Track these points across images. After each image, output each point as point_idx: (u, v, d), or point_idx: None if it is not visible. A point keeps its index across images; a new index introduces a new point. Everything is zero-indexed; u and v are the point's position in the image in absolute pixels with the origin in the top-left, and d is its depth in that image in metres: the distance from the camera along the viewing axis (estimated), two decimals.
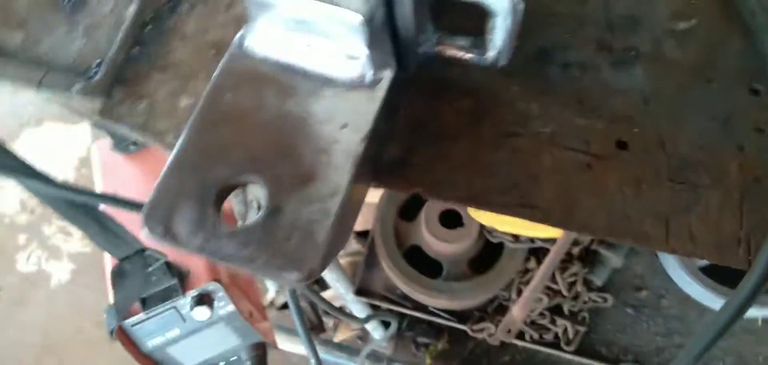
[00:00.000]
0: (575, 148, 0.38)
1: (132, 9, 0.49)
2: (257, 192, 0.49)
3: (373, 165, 0.38)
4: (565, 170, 0.37)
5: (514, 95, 0.40)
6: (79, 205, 0.61)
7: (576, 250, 1.14)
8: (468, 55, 0.38)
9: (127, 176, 1.16)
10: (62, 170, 1.98)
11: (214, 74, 0.38)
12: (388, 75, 0.36)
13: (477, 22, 0.36)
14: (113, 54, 0.47)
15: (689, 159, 0.36)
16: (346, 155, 0.33)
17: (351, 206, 0.35)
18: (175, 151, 0.35)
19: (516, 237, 1.05)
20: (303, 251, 0.31)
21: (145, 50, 0.48)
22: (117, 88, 0.46)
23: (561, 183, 0.37)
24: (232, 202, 0.69)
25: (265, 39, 0.37)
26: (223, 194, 0.34)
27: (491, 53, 0.37)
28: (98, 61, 0.47)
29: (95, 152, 1.34)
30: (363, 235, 1.22)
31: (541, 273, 1.04)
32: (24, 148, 2.03)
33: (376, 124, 0.35)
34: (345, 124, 0.35)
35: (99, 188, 1.33)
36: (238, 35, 0.38)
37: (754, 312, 1.03)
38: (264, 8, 0.36)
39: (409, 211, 1.11)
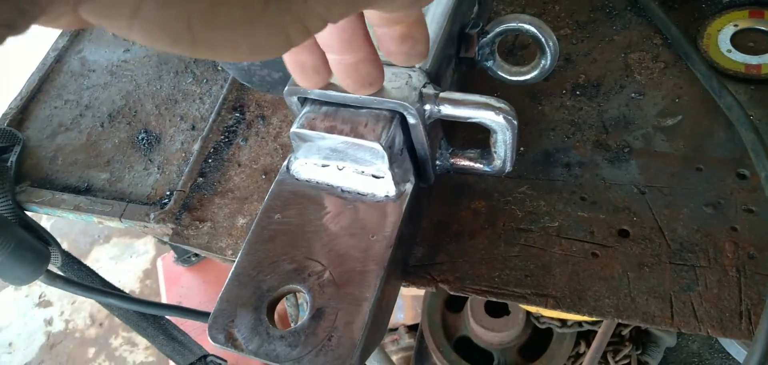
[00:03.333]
0: (581, 239, 0.41)
1: (196, 146, 0.57)
2: (307, 296, 0.55)
3: (403, 266, 0.43)
4: (573, 259, 0.41)
5: (523, 195, 0.44)
6: (148, 316, 0.68)
7: (627, 331, 1.12)
8: (478, 165, 0.43)
9: (188, 286, 1.23)
10: (128, 282, 2.09)
11: (266, 198, 0.44)
12: (409, 188, 0.42)
13: (485, 136, 0.41)
14: (182, 185, 0.54)
15: (687, 242, 0.40)
16: (375, 261, 0.38)
17: (383, 304, 0.39)
18: (234, 266, 0.40)
19: (563, 322, 1.05)
20: (342, 348, 0.36)
21: (208, 179, 0.55)
22: (185, 214, 0.53)
23: (571, 272, 0.40)
24: (285, 305, 0.74)
25: (307, 165, 0.44)
26: (274, 302, 0.39)
27: (497, 163, 0.42)
28: (169, 192, 0.55)
29: (160, 266, 1.43)
30: (413, 329, 1.24)
31: (589, 357, 1.03)
32: (95, 263, 2.16)
33: (401, 231, 0.40)
34: (374, 234, 0.40)
35: (164, 299, 1.41)
36: (284, 163, 0.45)
37: None
38: (305, 140, 0.42)
39: (455, 302, 1.13)
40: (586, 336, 1.11)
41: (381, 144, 0.39)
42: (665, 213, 0.41)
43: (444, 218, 0.45)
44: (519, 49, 0.52)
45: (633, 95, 0.47)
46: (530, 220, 0.43)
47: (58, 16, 0.18)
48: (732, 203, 0.40)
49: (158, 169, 0.57)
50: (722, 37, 0.46)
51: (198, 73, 0.64)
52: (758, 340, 0.34)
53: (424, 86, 0.40)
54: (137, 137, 0.60)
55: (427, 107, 0.40)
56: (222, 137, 0.57)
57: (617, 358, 1.11)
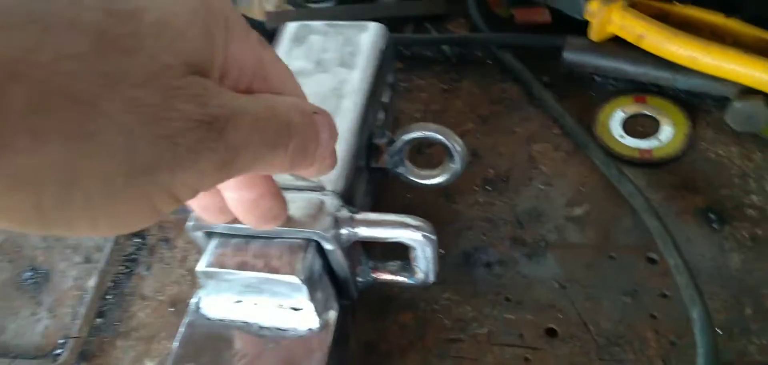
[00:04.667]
0: (511, 343, 0.39)
1: (92, 281, 0.49)
2: None
3: None
4: None
5: (448, 302, 0.41)
6: None
7: None
8: (401, 278, 0.40)
9: None
10: None
11: (175, 344, 0.38)
12: (333, 316, 0.37)
13: (404, 247, 0.38)
14: (77, 330, 0.46)
15: (612, 335, 0.38)
16: None
17: None
18: None
19: None
20: None
21: (108, 319, 0.47)
22: (83, 364, 0.45)
23: None
24: None
25: (218, 302, 0.38)
26: None
27: (420, 276, 0.38)
28: (62, 340, 0.46)
29: None
30: None
31: None
32: None
33: (329, 363, 0.35)
34: None
35: None
36: (193, 301, 0.39)
37: None
38: (213, 278, 0.37)
39: None
40: None
41: (299, 277, 0.34)
42: (587, 306, 0.39)
43: (371, 337, 0.41)
44: (426, 147, 0.50)
45: (541, 186, 0.45)
46: (459, 328, 0.40)
47: None
48: (647, 290, 0.40)
49: (49, 312, 0.49)
50: (613, 123, 0.47)
51: None
52: None
53: (338, 210, 0.36)
54: (21, 277, 0.52)
55: (344, 231, 0.36)
56: (121, 267, 0.50)
57: None
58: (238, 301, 0.37)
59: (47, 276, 0.51)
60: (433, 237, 0.36)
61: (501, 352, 0.39)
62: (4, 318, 0.49)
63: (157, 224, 0.52)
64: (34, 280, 0.51)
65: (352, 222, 0.36)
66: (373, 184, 0.44)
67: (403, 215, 0.37)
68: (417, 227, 0.36)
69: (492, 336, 0.39)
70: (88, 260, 0.52)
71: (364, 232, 0.36)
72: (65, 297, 0.50)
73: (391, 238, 0.37)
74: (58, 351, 0.46)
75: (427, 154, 0.50)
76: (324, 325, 0.37)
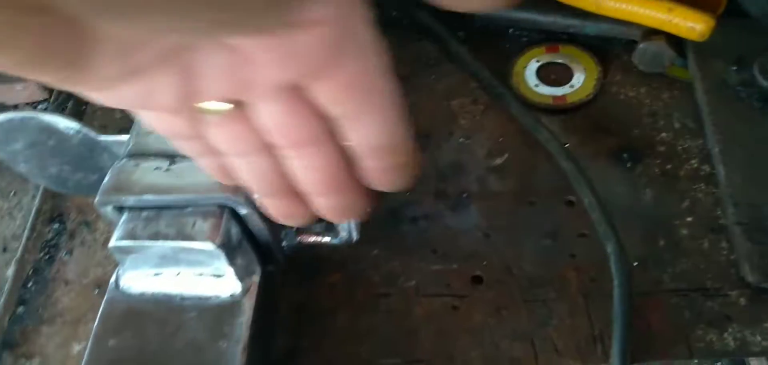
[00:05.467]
0: (440, 293, 0.38)
1: (11, 270, 0.46)
2: None
3: (265, 363, 0.37)
4: (436, 316, 0.37)
5: (377, 259, 0.41)
6: None
7: None
8: (325, 240, 0.38)
9: None
10: None
11: (95, 323, 0.35)
12: (256, 280, 0.36)
13: None
14: None
15: (535, 277, 0.38)
16: None
17: None
18: None
19: None
20: None
21: (30, 306, 0.44)
22: (6, 353, 0.42)
23: (435, 330, 0.37)
24: None
25: (138, 277, 0.36)
26: None
27: (343, 235, 0.38)
28: None
29: None
30: None
31: None
32: None
33: (252, 329, 0.34)
34: (224, 337, 0.33)
35: None
36: (112, 279, 0.36)
37: None
38: (128, 252, 0.35)
39: None
40: None
41: (215, 244, 0.32)
42: (511, 252, 0.39)
43: (301, 300, 0.39)
44: None
45: (461, 139, 0.45)
46: (388, 283, 0.39)
47: None
48: (567, 232, 0.40)
49: None
50: (528, 73, 0.46)
51: (2, 186, 0.52)
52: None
53: None
54: None
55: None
56: (42, 254, 0.47)
57: None
58: (158, 273, 0.35)
59: None
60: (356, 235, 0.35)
61: (429, 303, 0.38)
62: None
63: (76, 208, 0.48)
64: None
65: None
66: None
67: None
68: None
69: (420, 288, 0.39)
70: (5, 249, 0.48)
71: None
72: None
73: None
74: None
75: None
76: (246, 290, 0.35)
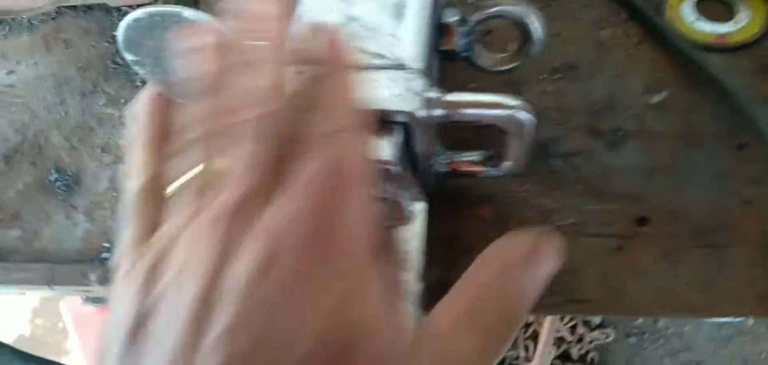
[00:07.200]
0: (601, 234, 0.34)
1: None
2: None
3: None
4: (598, 257, 0.34)
5: (528, 193, 0.36)
6: None
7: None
8: (483, 168, 0.34)
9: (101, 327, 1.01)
10: (18, 327, 1.55)
11: None
12: (419, 207, 0.31)
13: (473, 134, 0.32)
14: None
15: (705, 222, 0.34)
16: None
17: None
18: None
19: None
20: None
21: None
22: None
23: (599, 271, 0.33)
24: None
25: None
26: None
27: (507, 164, 0.33)
28: (107, 243, 0.40)
29: (64, 309, 1.18)
30: None
31: (547, 327, 0.97)
32: None
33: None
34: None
35: (74, 341, 1.17)
36: None
37: None
38: None
39: None
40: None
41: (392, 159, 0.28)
42: (675, 195, 0.35)
43: (448, 232, 0.36)
44: (485, 34, 0.43)
45: (613, 73, 0.40)
46: (542, 220, 0.35)
47: None
48: (739, 177, 0.35)
49: (86, 216, 0.42)
50: (685, 7, 0.41)
51: (112, 93, 0.47)
52: None
53: (426, 90, 0.30)
54: (48, 179, 0.44)
55: (435, 112, 0.30)
56: None
57: (564, 321, 1.03)
58: None
59: (77, 178, 0.44)
60: (534, 119, 0.30)
61: (590, 243, 0.34)
62: (37, 222, 0.42)
63: None
64: (62, 183, 0.43)
65: (443, 103, 0.30)
66: (440, 69, 0.38)
67: (498, 95, 0.31)
68: (517, 107, 0.30)
69: (578, 227, 0.35)
70: (120, 159, 0.44)
71: (457, 114, 0.30)
72: (102, 199, 0.42)
73: (487, 120, 0.31)
74: (105, 255, 0.39)
75: (485, 42, 0.43)
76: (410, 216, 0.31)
